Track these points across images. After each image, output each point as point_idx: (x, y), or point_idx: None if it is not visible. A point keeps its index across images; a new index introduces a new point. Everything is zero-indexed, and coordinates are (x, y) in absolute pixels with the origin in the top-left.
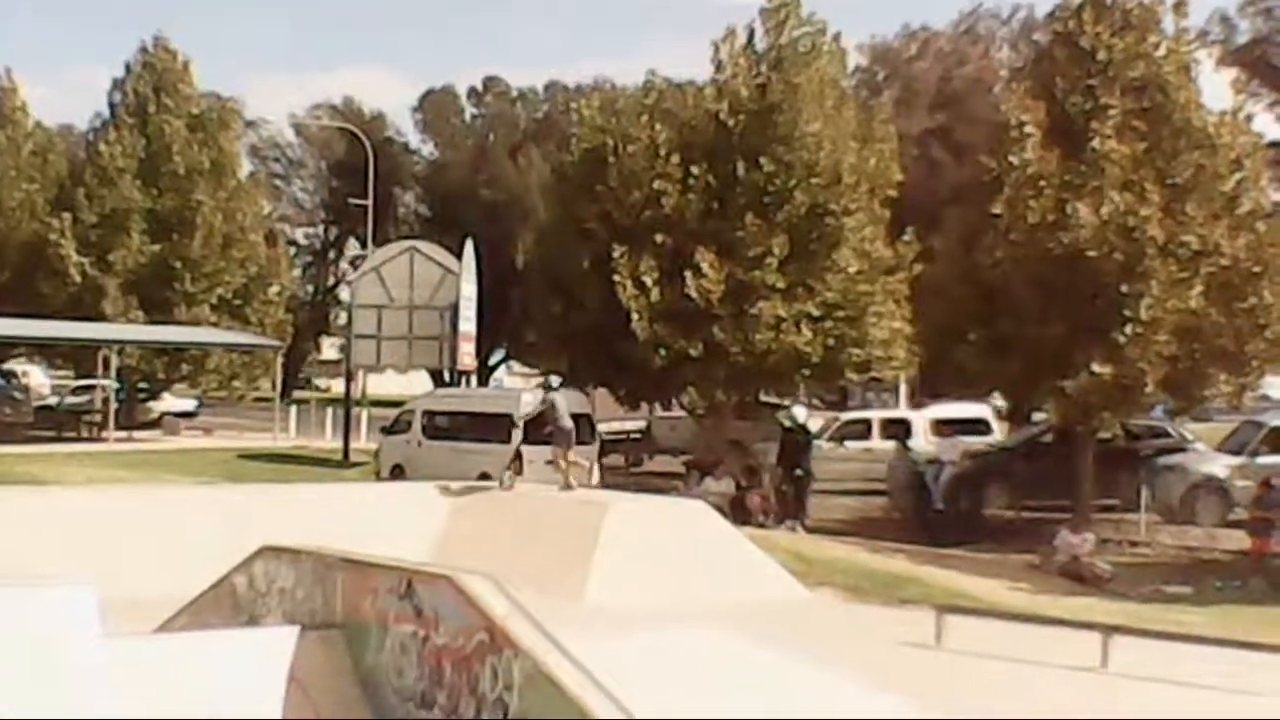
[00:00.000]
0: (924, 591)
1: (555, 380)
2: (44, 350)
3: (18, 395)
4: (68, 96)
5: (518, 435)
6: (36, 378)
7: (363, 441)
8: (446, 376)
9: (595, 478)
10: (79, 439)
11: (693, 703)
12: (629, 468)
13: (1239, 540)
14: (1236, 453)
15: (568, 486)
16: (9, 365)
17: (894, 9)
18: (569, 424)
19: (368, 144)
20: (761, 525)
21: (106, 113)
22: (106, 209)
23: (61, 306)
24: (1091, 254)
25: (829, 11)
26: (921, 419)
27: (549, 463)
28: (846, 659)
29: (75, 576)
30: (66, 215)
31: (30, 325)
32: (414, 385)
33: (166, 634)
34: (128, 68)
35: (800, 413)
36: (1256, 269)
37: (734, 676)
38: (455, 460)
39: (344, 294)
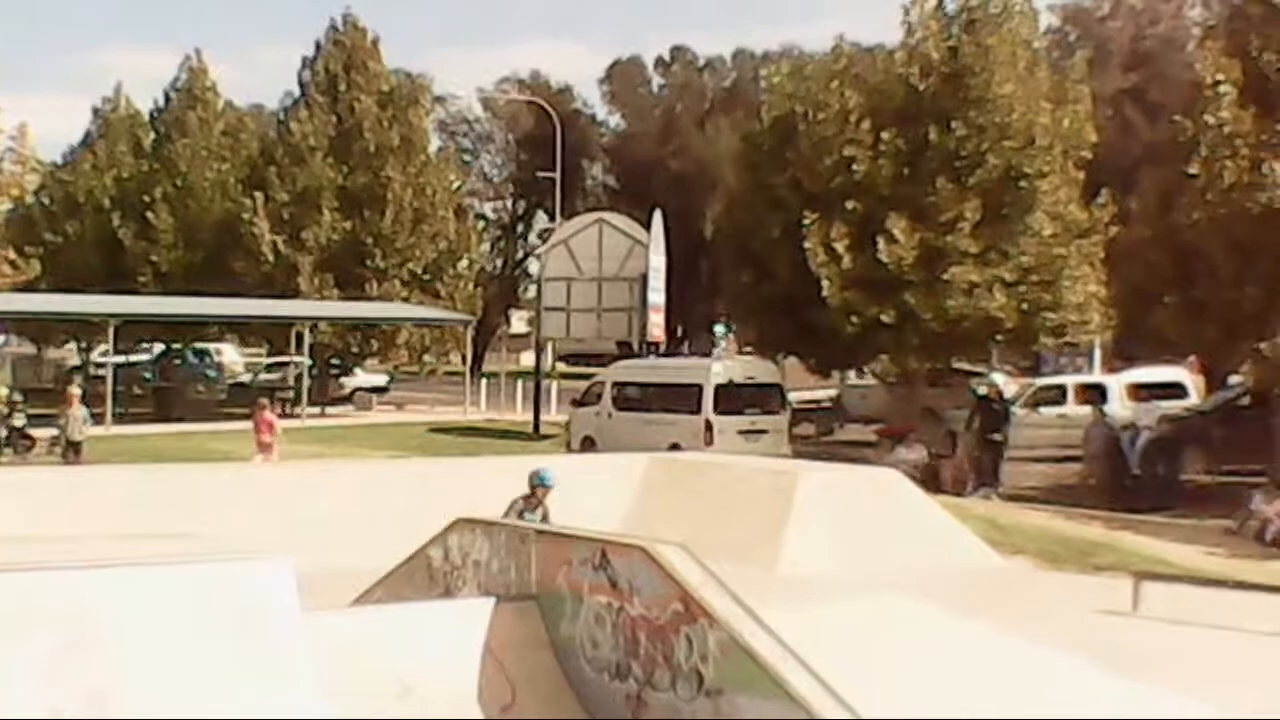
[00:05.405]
0: (1120, 558)
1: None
2: (237, 328)
3: (211, 373)
4: (256, 76)
5: (708, 405)
6: (230, 356)
7: (553, 414)
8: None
9: (786, 447)
10: None
11: (889, 671)
12: (820, 437)
13: None
14: None
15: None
16: (203, 344)
17: None
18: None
19: (555, 117)
20: (955, 493)
21: (296, 92)
22: (298, 187)
23: (255, 285)
24: None
25: None
26: (1117, 384)
27: (741, 432)
28: (1042, 626)
29: (274, 551)
30: (259, 194)
31: (223, 304)
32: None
33: (363, 607)
34: (318, 46)
35: (1001, 379)
36: None
37: (930, 646)
38: (646, 431)
39: (533, 267)
